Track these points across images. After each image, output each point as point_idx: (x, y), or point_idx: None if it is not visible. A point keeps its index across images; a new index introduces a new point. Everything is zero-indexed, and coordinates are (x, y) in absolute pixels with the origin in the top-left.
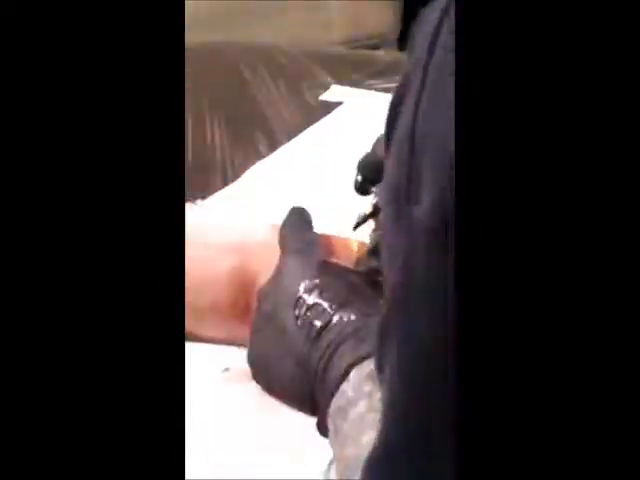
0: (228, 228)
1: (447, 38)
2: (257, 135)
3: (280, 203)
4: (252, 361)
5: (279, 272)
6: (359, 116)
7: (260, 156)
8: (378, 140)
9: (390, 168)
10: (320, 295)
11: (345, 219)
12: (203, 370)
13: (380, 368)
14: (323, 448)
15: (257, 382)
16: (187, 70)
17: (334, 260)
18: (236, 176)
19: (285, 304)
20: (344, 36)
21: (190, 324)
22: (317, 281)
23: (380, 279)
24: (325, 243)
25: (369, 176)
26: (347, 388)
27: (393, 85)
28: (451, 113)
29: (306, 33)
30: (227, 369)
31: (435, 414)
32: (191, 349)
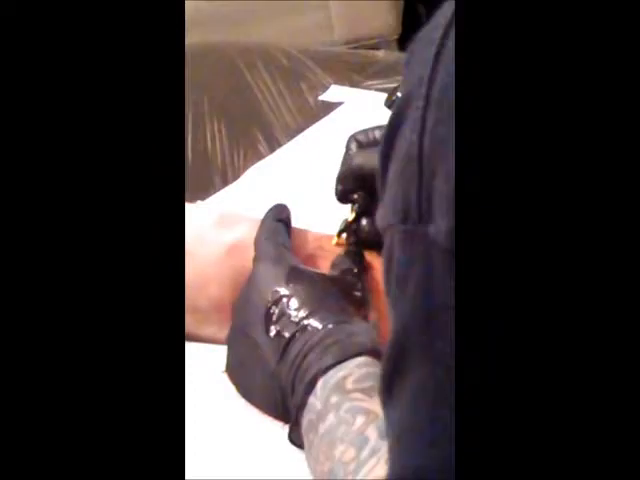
0: (228, 227)
1: (451, 57)
2: (257, 135)
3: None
4: (229, 373)
5: (250, 282)
6: (359, 116)
7: (260, 156)
8: (349, 153)
9: (393, 188)
10: (288, 305)
11: (344, 218)
12: (203, 370)
13: (389, 392)
14: None
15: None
16: (187, 70)
17: (303, 266)
18: (236, 176)
19: (255, 320)
20: (344, 36)
21: (190, 324)
22: (286, 290)
23: (350, 279)
24: (311, 239)
25: (348, 186)
26: (315, 401)
27: (393, 85)
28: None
29: (306, 33)
30: None
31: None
32: (191, 349)
